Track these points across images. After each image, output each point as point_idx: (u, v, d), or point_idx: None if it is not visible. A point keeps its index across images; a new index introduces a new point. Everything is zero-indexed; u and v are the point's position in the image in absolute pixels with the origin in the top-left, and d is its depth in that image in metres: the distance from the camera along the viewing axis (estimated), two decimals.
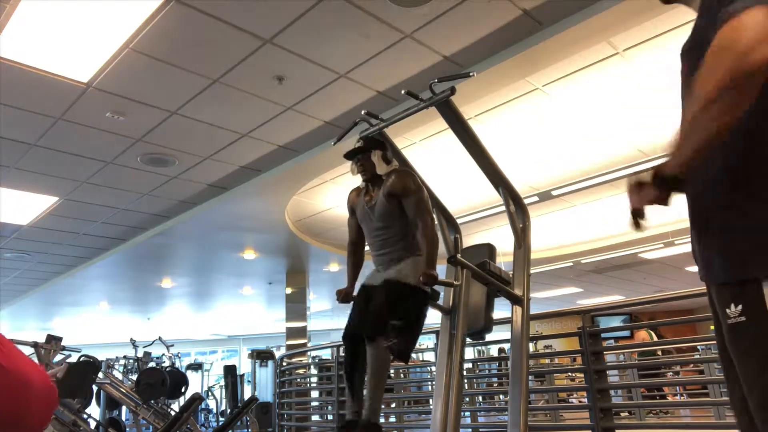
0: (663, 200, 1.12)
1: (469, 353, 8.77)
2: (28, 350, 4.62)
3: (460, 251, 3.03)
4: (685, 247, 8.35)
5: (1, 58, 3.56)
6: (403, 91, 2.53)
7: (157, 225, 7.16)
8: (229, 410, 10.25)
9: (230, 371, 10.38)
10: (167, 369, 7.09)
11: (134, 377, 7.49)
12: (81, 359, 4.80)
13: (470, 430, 5.54)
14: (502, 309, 2.97)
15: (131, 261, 8.69)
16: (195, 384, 10.25)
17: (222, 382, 11.28)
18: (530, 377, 4.09)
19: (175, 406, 6.80)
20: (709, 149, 1.03)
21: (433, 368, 3.94)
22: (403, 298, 2.62)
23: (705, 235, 1.18)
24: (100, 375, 5.74)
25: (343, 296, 2.86)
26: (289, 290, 9.70)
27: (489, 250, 3.10)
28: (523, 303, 2.85)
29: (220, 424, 8.56)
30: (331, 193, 6.53)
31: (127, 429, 7.21)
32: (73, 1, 3.14)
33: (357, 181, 2.93)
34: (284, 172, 5.46)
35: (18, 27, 3.30)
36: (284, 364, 6.91)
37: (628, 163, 5.91)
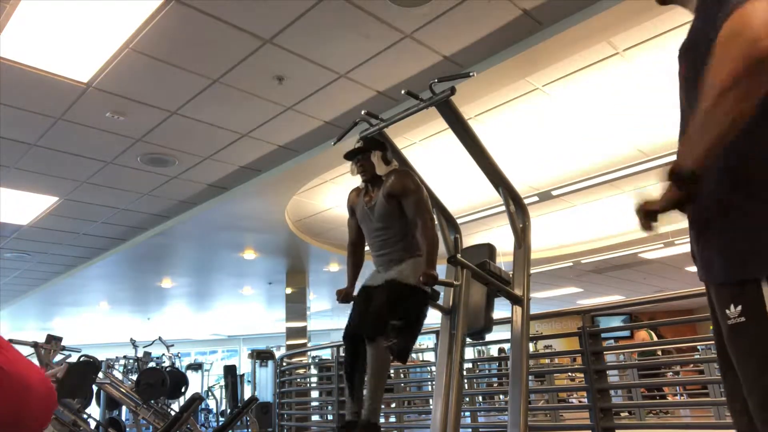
0: (681, 201, 1.10)
1: (469, 353, 8.77)
2: (28, 350, 4.63)
3: (460, 251, 3.03)
4: (685, 247, 8.35)
5: (1, 58, 3.56)
6: (403, 91, 2.53)
7: (157, 225, 7.16)
8: (229, 410, 10.25)
9: (230, 371, 10.37)
10: (167, 369, 7.09)
11: (134, 377, 7.49)
12: (81, 359, 4.80)
13: (470, 430, 5.54)
14: (502, 309, 2.97)
15: (131, 261, 8.68)
16: (195, 384, 10.25)
17: (222, 382, 11.28)
18: (530, 377, 4.09)
19: (175, 406, 6.81)
20: (728, 140, 1.01)
21: (433, 368, 3.94)
22: (404, 298, 2.62)
23: (704, 235, 1.18)
24: (100, 375, 5.74)
25: (343, 296, 2.86)
26: (289, 290, 9.70)
27: (489, 250, 3.10)
28: (523, 303, 2.85)
29: (220, 424, 8.56)
30: (331, 193, 6.53)
31: (127, 429, 7.21)
32: (73, 1, 3.14)
33: (357, 181, 2.93)
34: (284, 172, 5.46)
35: (18, 27, 3.30)
36: (284, 364, 6.91)
37: (628, 163, 5.91)
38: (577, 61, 4.04)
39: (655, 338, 7.38)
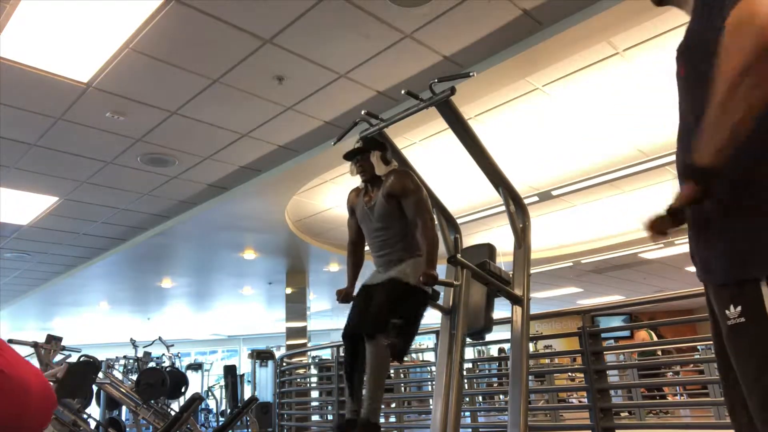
0: (700, 197, 1.07)
1: (469, 353, 8.77)
2: (28, 350, 4.62)
3: (460, 251, 3.03)
4: (685, 247, 8.30)
5: (1, 58, 3.56)
6: (403, 91, 2.53)
7: (157, 225, 7.16)
8: (229, 410, 10.25)
9: (230, 371, 10.37)
10: (167, 369, 7.08)
11: (134, 377, 7.49)
12: (81, 359, 4.79)
13: (470, 430, 5.54)
14: (502, 309, 2.97)
15: (131, 261, 8.68)
16: (195, 384, 10.24)
17: (222, 382, 11.28)
18: (530, 377, 4.09)
19: (175, 406, 6.80)
20: (745, 129, 1.00)
21: (433, 368, 3.93)
22: (404, 297, 2.62)
23: (704, 236, 1.17)
24: (100, 375, 5.74)
25: (343, 296, 2.86)
26: (289, 290, 9.70)
27: (489, 250, 3.10)
28: (523, 303, 2.85)
29: (220, 424, 8.56)
30: (331, 193, 6.53)
31: (127, 429, 7.21)
32: (73, 1, 3.14)
33: (357, 181, 2.93)
34: (284, 172, 5.46)
35: (18, 27, 3.30)
36: (284, 364, 6.91)
37: (628, 163, 5.91)
38: (577, 61, 4.04)
39: (655, 338, 7.38)
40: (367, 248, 2.97)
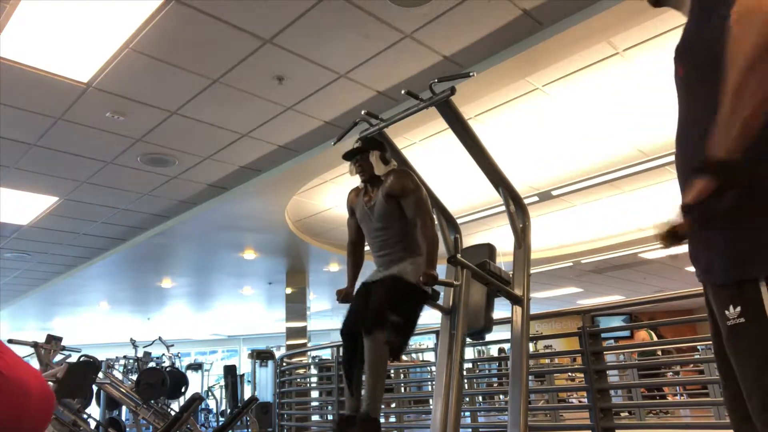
0: (717, 191, 1.02)
1: (469, 353, 8.77)
2: (28, 350, 4.62)
3: (460, 251, 3.03)
4: (685, 247, 8.33)
5: (1, 58, 3.56)
6: (403, 91, 2.54)
7: (157, 225, 7.16)
8: (229, 410, 10.25)
9: (230, 371, 10.37)
10: (167, 369, 7.08)
11: (134, 377, 7.49)
12: (81, 359, 4.80)
13: (470, 430, 5.54)
14: (502, 309, 2.97)
15: (131, 261, 8.68)
16: (195, 384, 10.25)
17: (222, 382, 11.28)
18: (530, 377, 4.09)
19: (175, 406, 6.80)
20: (761, 119, 0.97)
21: (433, 368, 3.94)
22: (404, 295, 2.62)
23: (704, 236, 1.17)
24: (100, 375, 5.74)
25: (343, 296, 2.86)
26: (289, 290, 9.70)
27: (489, 250, 3.10)
28: (523, 303, 2.85)
29: (220, 424, 8.56)
30: (331, 193, 6.53)
31: (127, 429, 7.21)
32: (73, 1, 3.14)
33: (357, 181, 2.93)
34: (284, 172, 5.46)
35: (18, 27, 3.30)
36: (284, 364, 6.91)
37: (628, 163, 5.91)
38: (577, 61, 4.04)
39: (655, 338, 7.38)
40: (367, 248, 2.97)
